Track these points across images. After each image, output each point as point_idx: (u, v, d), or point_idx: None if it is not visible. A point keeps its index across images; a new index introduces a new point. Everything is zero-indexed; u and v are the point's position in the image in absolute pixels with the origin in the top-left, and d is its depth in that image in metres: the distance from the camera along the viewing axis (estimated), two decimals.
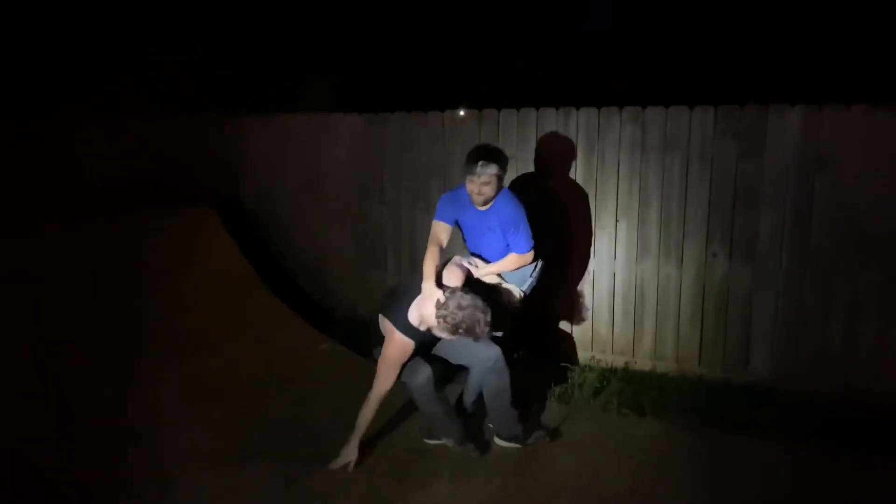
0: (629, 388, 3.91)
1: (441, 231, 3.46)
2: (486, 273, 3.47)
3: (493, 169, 3.29)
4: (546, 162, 4.28)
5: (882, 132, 3.48)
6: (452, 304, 2.93)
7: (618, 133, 4.07)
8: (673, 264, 4.07)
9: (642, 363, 4.23)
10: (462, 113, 4.61)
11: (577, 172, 4.23)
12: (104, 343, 3.82)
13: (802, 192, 3.68)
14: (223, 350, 4.12)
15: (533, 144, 4.31)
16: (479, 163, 3.26)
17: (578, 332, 4.41)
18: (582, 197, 4.23)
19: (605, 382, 3.97)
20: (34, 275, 3.99)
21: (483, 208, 3.42)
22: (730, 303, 3.97)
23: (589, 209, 4.24)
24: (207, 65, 7.18)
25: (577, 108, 4.18)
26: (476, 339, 2.97)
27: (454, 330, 2.94)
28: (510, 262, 3.47)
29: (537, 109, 4.29)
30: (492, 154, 3.33)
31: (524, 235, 3.42)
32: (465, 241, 3.67)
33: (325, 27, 9.79)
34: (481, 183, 3.31)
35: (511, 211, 3.41)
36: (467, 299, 2.94)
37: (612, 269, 4.25)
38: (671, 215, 4.03)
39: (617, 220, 4.17)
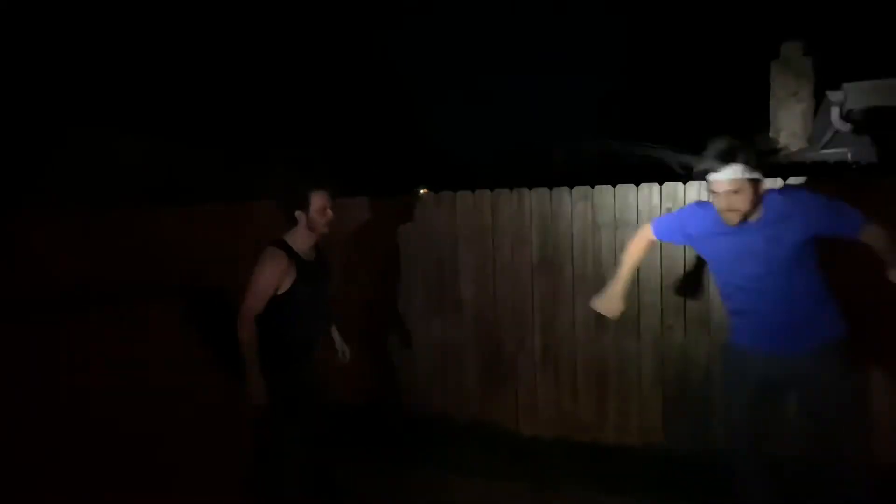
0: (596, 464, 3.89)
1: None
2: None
3: (740, 171, 2.36)
4: (503, 241, 4.39)
5: None
6: None
7: (569, 211, 4.20)
8: (631, 337, 4.13)
9: (606, 437, 4.23)
10: (423, 192, 4.73)
11: (534, 251, 4.33)
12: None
13: None
14: None
15: (489, 223, 4.42)
16: (719, 164, 2.38)
17: (543, 407, 4.40)
18: (544, 273, 4.31)
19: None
20: None
21: (739, 224, 2.47)
22: (688, 372, 4.01)
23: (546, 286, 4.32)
24: (170, 156, 7.33)
25: (530, 189, 4.32)
26: None
27: None
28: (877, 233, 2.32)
29: (492, 191, 4.42)
30: (735, 149, 2.38)
31: (845, 206, 2.39)
32: (718, 281, 2.77)
33: (286, 115, 10.06)
34: (729, 192, 2.40)
35: (795, 195, 2.47)
36: None
37: (573, 344, 4.29)
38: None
39: (574, 295, 4.25)
